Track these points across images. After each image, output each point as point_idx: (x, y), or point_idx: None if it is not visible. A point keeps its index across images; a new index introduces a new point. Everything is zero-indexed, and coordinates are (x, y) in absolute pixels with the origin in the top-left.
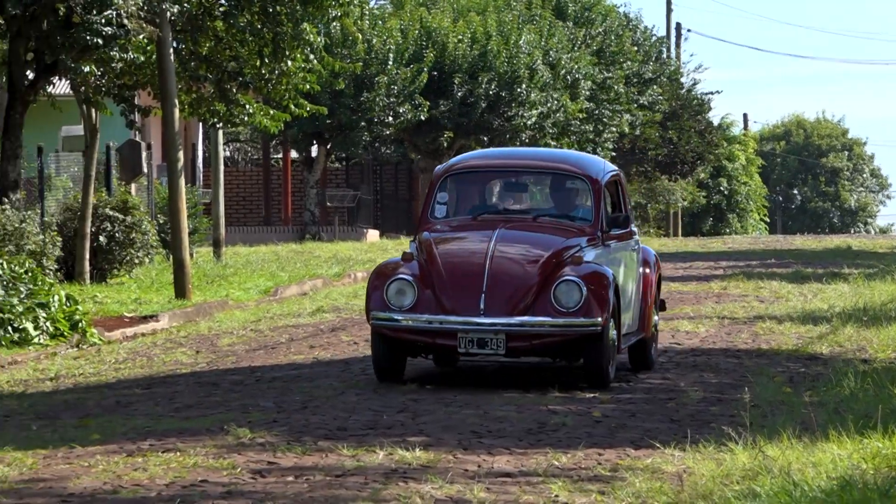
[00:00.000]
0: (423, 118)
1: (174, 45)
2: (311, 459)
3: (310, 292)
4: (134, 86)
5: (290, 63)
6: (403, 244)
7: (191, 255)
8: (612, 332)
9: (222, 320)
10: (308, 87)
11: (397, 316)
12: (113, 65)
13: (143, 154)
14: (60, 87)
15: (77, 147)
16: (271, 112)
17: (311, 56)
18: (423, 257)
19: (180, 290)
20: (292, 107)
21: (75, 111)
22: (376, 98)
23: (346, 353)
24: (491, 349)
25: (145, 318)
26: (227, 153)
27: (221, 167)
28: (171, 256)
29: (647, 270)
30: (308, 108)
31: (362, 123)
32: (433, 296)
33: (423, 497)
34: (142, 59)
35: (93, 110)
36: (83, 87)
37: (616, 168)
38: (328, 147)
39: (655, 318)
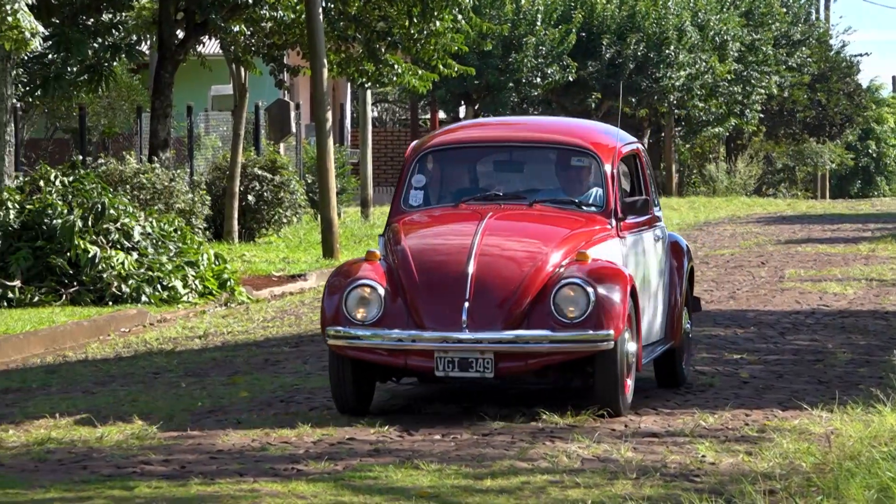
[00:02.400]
0: (570, 79)
1: (323, 4)
2: (458, 418)
3: None
4: (283, 45)
5: (438, 23)
6: None
7: (338, 214)
8: (628, 346)
9: None
10: (456, 47)
11: (359, 331)
12: (262, 24)
13: (292, 114)
14: (210, 46)
15: (226, 106)
16: (419, 72)
17: (460, 16)
18: (393, 257)
19: (328, 249)
20: (441, 67)
21: (224, 70)
22: (524, 59)
23: None
24: (476, 371)
25: (293, 277)
26: (375, 113)
27: (369, 127)
28: (319, 216)
29: (675, 264)
30: (456, 69)
31: (510, 84)
32: (404, 306)
33: (570, 456)
34: (291, 17)
35: (242, 70)
36: (233, 47)
37: (635, 140)
38: (476, 108)
39: (687, 323)
